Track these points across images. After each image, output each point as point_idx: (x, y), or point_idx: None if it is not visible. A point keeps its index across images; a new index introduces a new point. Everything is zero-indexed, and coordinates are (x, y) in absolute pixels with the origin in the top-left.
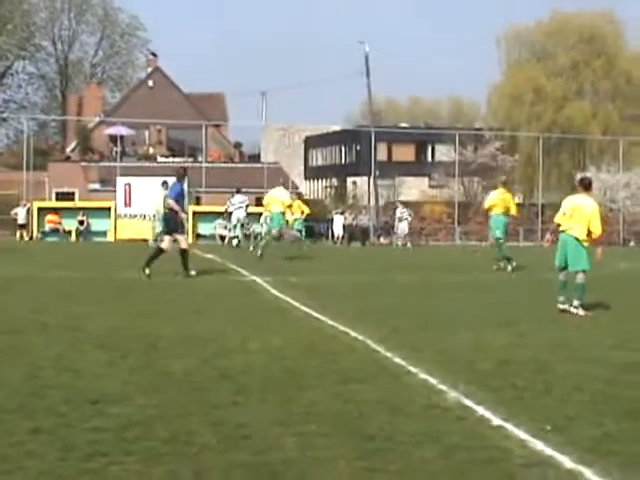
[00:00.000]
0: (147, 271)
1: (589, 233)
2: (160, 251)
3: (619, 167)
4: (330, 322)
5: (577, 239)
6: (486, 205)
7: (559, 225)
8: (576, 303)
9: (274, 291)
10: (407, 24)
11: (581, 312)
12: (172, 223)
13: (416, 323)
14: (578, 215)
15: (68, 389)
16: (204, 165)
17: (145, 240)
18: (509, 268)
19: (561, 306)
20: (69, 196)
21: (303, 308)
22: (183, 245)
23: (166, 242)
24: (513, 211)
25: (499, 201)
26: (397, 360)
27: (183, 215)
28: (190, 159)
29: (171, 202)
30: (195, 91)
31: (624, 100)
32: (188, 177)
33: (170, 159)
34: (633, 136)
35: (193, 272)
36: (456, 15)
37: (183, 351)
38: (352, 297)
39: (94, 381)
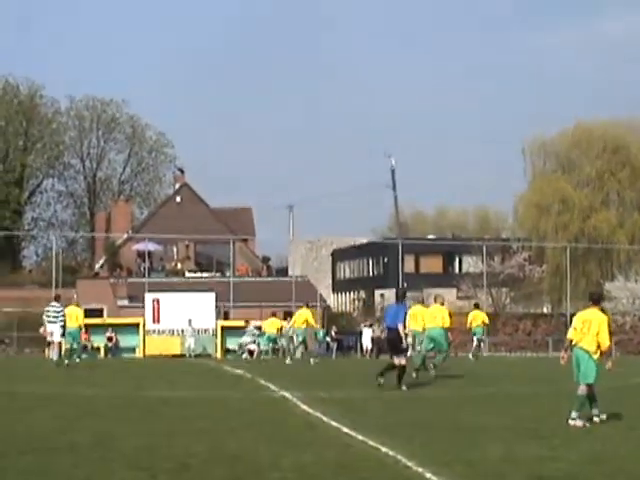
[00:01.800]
0: (381, 380)
1: (599, 346)
2: (401, 367)
3: None
4: (360, 437)
5: (588, 352)
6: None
7: (571, 341)
8: (574, 415)
9: (304, 406)
10: (431, 135)
11: (579, 423)
12: (394, 343)
13: (445, 437)
14: (587, 329)
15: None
16: (232, 280)
17: (175, 356)
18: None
19: (572, 421)
20: (97, 312)
21: (333, 423)
22: (402, 362)
23: (397, 360)
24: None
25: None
26: (428, 475)
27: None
28: (218, 274)
29: (400, 325)
30: (222, 205)
31: None
32: (216, 292)
33: (198, 274)
34: None
35: (404, 387)
36: (480, 126)
37: (215, 469)
38: (381, 411)
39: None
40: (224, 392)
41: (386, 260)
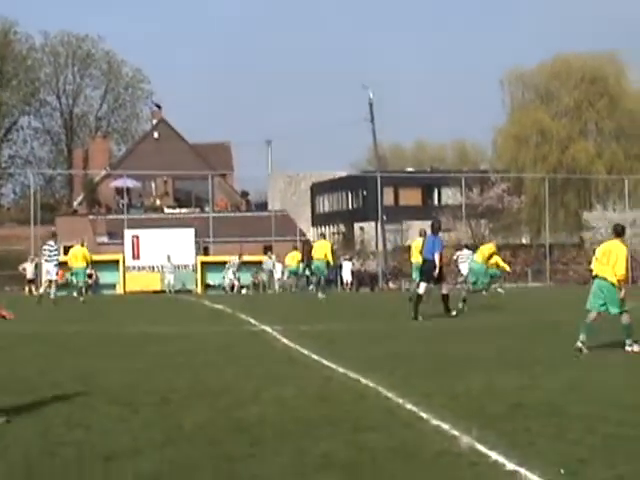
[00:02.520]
0: (420, 318)
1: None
2: (419, 297)
3: (625, 205)
4: (341, 370)
5: (610, 283)
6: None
7: (591, 271)
8: (629, 341)
9: (284, 340)
10: (410, 69)
11: (636, 348)
12: (430, 273)
13: (427, 369)
14: (607, 260)
15: (80, 445)
16: (211, 215)
17: (156, 292)
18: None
19: (579, 344)
20: None
21: (314, 356)
22: (444, 291)
23: (422, 288)
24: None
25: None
26: (409, 407)
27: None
28: (197, 209)
29: (437, 256)
30: (200, 141)
31: (628, 139)
32: (195, 228)
33: (177, 210)
34: (638, 175)
35: (454, 312)
36: (459, 59)
37: (196, 404)
38: (362, 344)
39: (106, 437)
40: (204, 327)
41: (365, 193)
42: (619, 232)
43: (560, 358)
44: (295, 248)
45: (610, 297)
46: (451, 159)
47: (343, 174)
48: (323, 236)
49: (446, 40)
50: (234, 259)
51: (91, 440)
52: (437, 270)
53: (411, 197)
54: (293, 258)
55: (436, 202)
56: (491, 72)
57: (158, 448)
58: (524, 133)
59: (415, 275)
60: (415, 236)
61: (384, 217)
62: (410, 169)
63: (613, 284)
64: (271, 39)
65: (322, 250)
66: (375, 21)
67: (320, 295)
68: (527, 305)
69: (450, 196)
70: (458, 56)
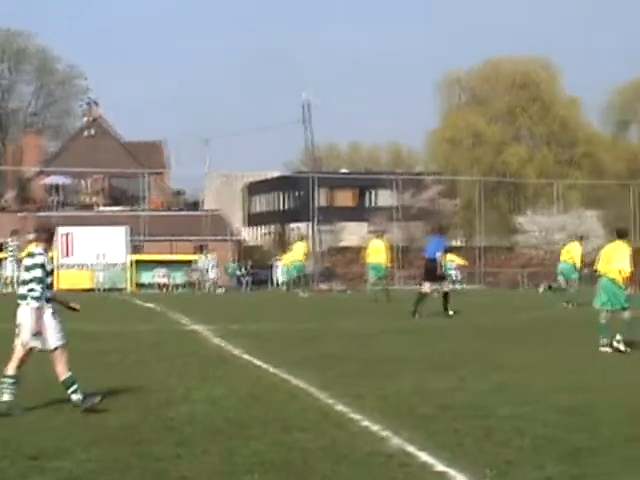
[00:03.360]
0: (417, 316)
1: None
2: (423, 295)
3: (554, 209)
4: (272, 370)
5: (612, 281)
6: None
7: (596, 270)
8: (619, 337)
9: (216, 339)
10: (345, 70)
11: (622, 347)
12: (435, 272)
13: (359, 370)
14: (610, 259)
15: (5, 444)
16: (144, 214)
17: (86, 290)
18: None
19: (602, 349)
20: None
21: (245, 356)
22: (445, 289)
23: (427, 287)
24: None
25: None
26: (340, 407)
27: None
28: (131, 207)
29: (439, 255)
30: (135, 139)
31: (559, 144)
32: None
33: (110, 208)
34: (568, 179)
35: (451, 312)
36: (394, 61)
37: (125, 403)
38: (294, 344)
39: (32, 436)
40: (135, 326)
41: (299, 194)
42: (622, 234)
43: (489, 360)
44: (302, 239)
45: (614, 294)
46: (385, 161)
47: (278, 174)
48: (301, 238)
49: (382, 41)
50: (206, 256)
51: (17, 439)
52: (441, 269)
53: (345, 198)
54: (299, 249)
55: (370, 203)
56: (427, 75)
57: (85, 447)
58: (458, 136)
59: (372, 275)
60: (349, 237)
61: (318, 218)
62: (345, 170)
63: (615, 281)
64: (206, 37)
65: (300, 251)
66: (311, 21)
67: (302, 294)
68: (458, 308)
69: (384, 198)
70: (394, 58)
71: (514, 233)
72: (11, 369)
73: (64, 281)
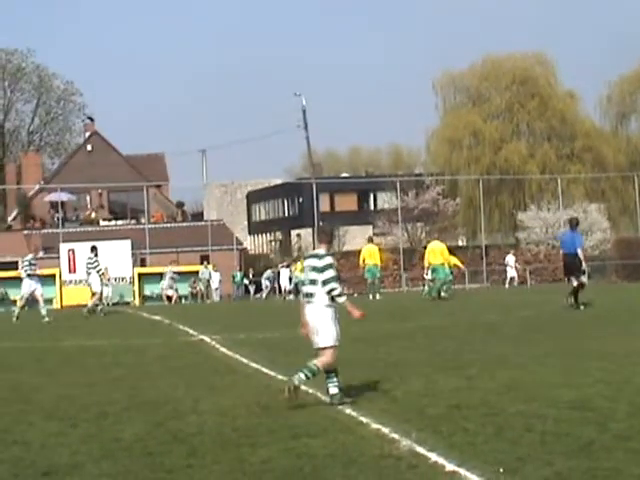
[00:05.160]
0: (581, 307)
1: None
2: (580, 286)
3: (559, 205)
4: (280, 377)
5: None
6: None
7: None
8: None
9: (223, 349)
10: (343, 74)
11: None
12: (575, 266)
13: (366, 373)
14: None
15: (17, 462)
16: (147, 226)
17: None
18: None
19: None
20: (12, 265)
21: (252, 365)
22: (584, 280)
23: (574, 281)
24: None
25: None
26: (348, 411)
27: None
28: (133, 221)
29: (579, 250)
30: (134, 153)
31: (559, 139)
32: (132, 240)
33: (113, 222)
34: (570, 174)
35: (582, 307)
36: (392, 63)
37: (134, 416)
38: (301, 351)
39: (44, 452)
40: (142, 339)
41: (301, 200)
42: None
43: (496, 358)
44: (370, 240)
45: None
46: (386, 163)
47: (279, 181)
48: (370, 239)
49: (379, 44)
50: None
51: (29, 456)
52: (581, 263)
53: (347, 203)
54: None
55: (372, 207)
56: (425, 75)
57: (97, 462)
58: (457, 136)
59: (369, 275)
60: (352, 241)
61: (320, 223)
62: (345, 174)
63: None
64: (202, 48)
65: (375, 254)
66: (307, 28)
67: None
68: (464, 306)
69: (386, 200)
70: (392, 60)
71: (517, 230)
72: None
73: (70, 297)
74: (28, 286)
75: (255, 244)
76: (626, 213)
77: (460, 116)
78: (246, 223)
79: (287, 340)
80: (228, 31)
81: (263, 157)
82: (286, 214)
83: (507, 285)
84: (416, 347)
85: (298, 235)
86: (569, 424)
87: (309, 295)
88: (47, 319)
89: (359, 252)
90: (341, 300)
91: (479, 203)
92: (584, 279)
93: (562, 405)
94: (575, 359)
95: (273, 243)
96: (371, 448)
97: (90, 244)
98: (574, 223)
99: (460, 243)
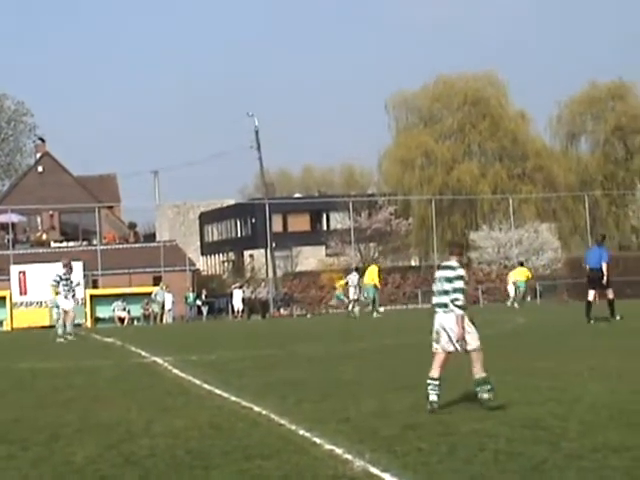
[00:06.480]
0: (592, 321)
1: None
2: (589, 304)
3: (510, 225)
4: (233, 398)
5: None
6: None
7: None
8: None
9: (176, 371)
10: (296, 94)
11: None
12: (598, 281)
13: (320, 393)
14: None
15: None
16: (99, 248)
17: (45, 327)
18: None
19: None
20: None
21: (205, 386)
22: (610, 295)
23: (591, 295)
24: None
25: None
26: (302, 432)
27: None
28: (84, 242)
29: (604, 265)
30: (86, 174)
31: (511, 159)
32: (84, 261)
33: (64, 244)
34: (522, 194)
35: (618, 317)
36: (345, 82)
37: (86, 438)
38: (254, 372)
39: None
40: (95, 361)
41: (254, 221)
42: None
43: (450, 377)
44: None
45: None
46: (339, 183)
47: (231, 202)
48: (373, 261)
49: (332, 64)
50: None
51: None
52: (605, 278)
53: (300, 223)
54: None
55: (325, 227)
56: (378, 95)
57: None
58: (409, 156)
59: (370, 293)
60: (304, 261)
61: (274, 244)
62: (298, 195)
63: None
64: (153, 69)
65: (373, 275)
66: (259, 48)
67: (375, 314)
68: (417, 326)
69: (339, 220)
70: (345, 79)
71: (469, 250)
72: (435, 372)
73: (20, 320)
74: None
75: (208, 265)
76: (577, 232)
77: (412, 136)
78: (199, 244)
79: (239, 360)
80: (179, 51)
81: (216, 178)
82: (239, 235)
83: None
84: (370, 367)
85: (251, 256)
86: (522, 443)
87: (443, 305)
88: None
89: (312, 273)
90: (458, 312)
91: (431, 223)
92: (610, 293)
93: (515, 424)
94: (528, 377)
95: (226, 264)
96: (325, 469)
97: (64, 261)
98: (600, 239)
99: (413, 263)
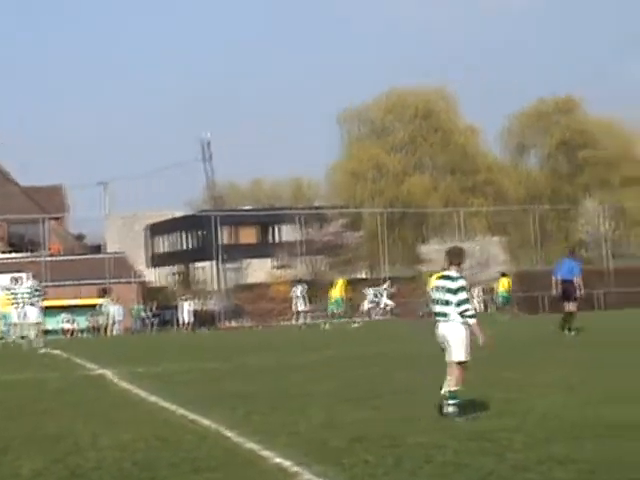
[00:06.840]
0: (572, 332)
1: None
2: (570, 314)
3: (461, 237)
4: (180, 411)
5: None
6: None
7: None
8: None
9: (122, 383)
10: (245, 107)
11: None
12: (569, 292)
13: (269, 406)
14: None
15: None
16: (45, 259)
17: None
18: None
19: None
20: None
21: (152, 398)
22: (572, 309)
23: (570, 306)
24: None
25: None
26: (250, 445)
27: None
28: (30, 254)
29: (576, 277)
30: (32, 184)
31: (462, 173)
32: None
33: (9, 255)
34: (473, 207)
35: (573, 333)
36: (294, 95)
37: (33, 451)
38: (201, 384)
39: None
40: (41, 373)
41: (203, 233)
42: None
43: (405, 389)
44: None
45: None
46: (287, 196)
47: (181, 214)
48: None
49: (282, 75)
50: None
51: None
52: (578, 291)
53: (249, 235)
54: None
55: (275, 239)
56: (329, 107)
57: None
58: (360, 168)
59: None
60: (253, 274)
61: (222, 256)
62: (247, 207)
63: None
64: (104, 79)
65: (341, 288)
66: (209, 59)
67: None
68: (366, 338)
69: (288, 233)
70: (294, 93)
71: (419, 263)
72: (452, 385)
73: None
74: None
75: (157, 276)
76: (527, 246)
77: (363, 149)
78: (149, 255)
79: (186, 372)
80: (130, 62)
81: (165, 189)
82: (188, 247)
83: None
84: (322, 378)
85: (200, 268)
86: (468, 455)
87: (443, 315)
88: None
89: (262, 285)
90: (472, 321)
91: (382, 236)
92: (573, 307)
93: (462, 436)
94: (489, 389)
95: (174, 276)
96: None
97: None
98: (571, 250)
99: (362, 275)
